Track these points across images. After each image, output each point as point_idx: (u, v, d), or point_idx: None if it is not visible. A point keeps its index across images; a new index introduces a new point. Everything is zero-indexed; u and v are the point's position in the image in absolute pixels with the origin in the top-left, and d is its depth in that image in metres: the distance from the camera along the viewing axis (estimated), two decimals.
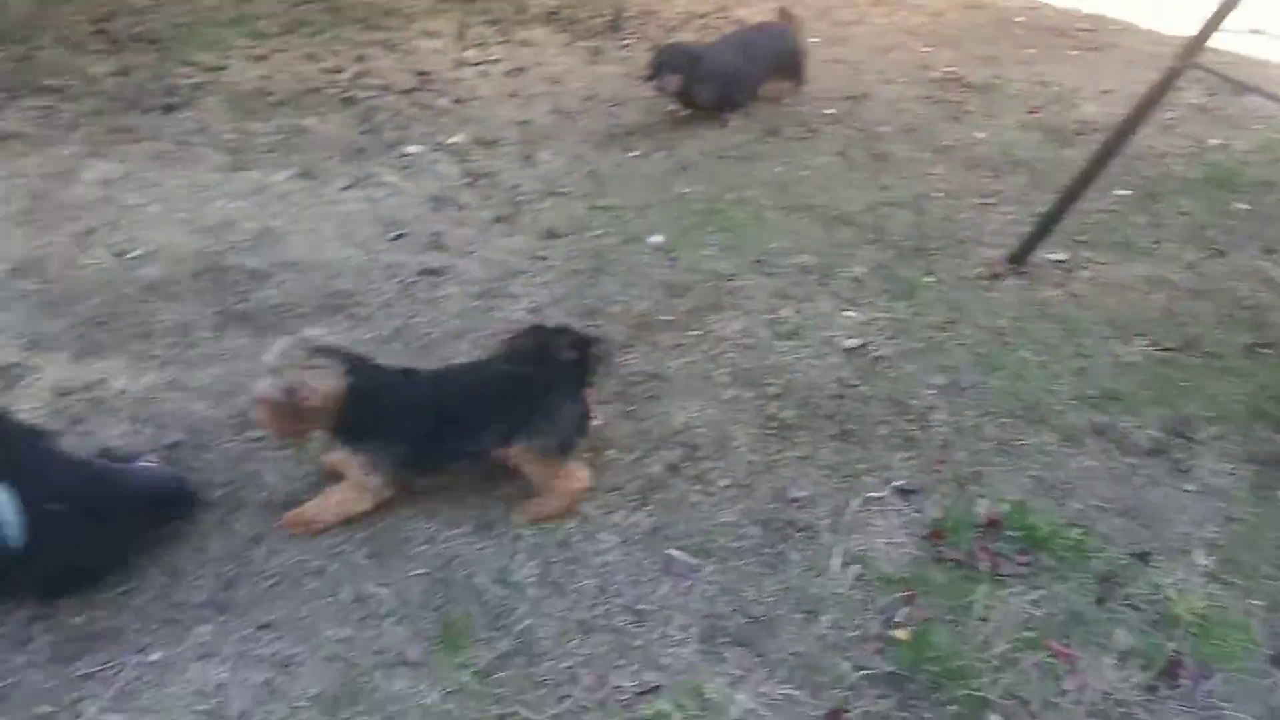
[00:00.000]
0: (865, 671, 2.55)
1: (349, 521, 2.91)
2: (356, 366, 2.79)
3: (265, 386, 2.71)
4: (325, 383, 2.72)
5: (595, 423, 3.15)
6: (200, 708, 2.41)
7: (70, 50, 6.26)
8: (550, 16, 7.35)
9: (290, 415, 2.73)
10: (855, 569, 2.85)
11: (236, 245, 4.27)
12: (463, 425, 2.91)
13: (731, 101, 5.63)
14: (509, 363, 3.01)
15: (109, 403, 3.32)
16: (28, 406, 3.28)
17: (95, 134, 5.19)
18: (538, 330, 3.13)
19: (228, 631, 2.60)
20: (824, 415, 3.42)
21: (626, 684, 2.51)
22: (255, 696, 2.44)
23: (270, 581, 2.74)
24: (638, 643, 2.62)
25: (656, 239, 4.43)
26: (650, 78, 5.40)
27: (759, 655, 2.60)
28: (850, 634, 2.66)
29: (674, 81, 5.35)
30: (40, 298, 3.86)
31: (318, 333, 3.00)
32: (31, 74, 5.86)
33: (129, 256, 4.14)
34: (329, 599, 2.70)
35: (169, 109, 5.50)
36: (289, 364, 2.71)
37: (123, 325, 3.72)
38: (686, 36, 6.82)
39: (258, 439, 3.20)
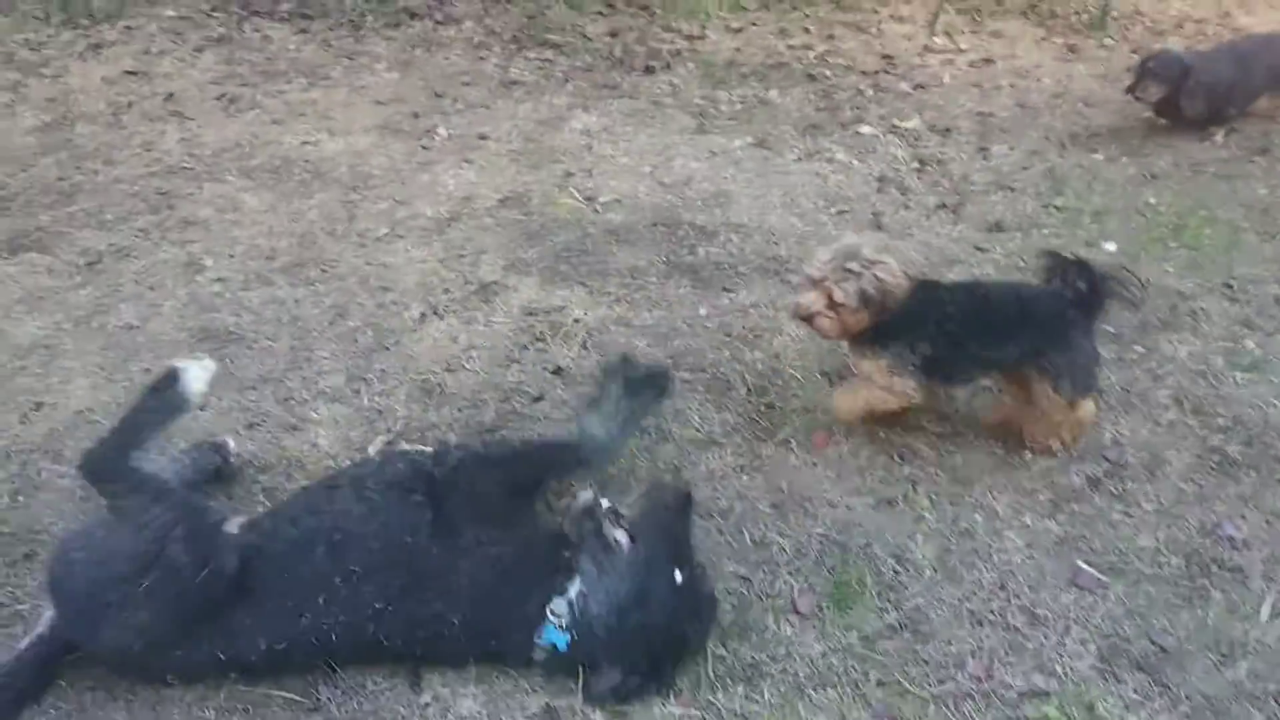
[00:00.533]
0: None
1: (875, 420, 3.14)
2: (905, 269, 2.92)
3: (835, 283, 2.87)
4: (897, 277, 2.86)
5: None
6: None
7: (573, 10, 6.89)
8: (1030, 9, 7.11)
9: (854, 311, 2.89)
10: None
11: (690, 202, 4.55)
12: (987, 335, 2.96)
13: (1221, 116, 5.18)
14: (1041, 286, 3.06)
15: (566, 328, 3.68)
16: (501, 320, 3.71)
17: (583, 88, 5.71)
18: (1059, 259, 3.05)
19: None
20: (1276, 458, 3.13)
21: (1014, 682, 2.46)
22: None
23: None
24: (1031, 645, 2.56)
25: (1111, 247, 4.20)
26: (1131, 87, 5.08)
27: (1161, 685, 2.45)
28: (1270, 686, 2.44)
29: (1157, 92, 5.01)
30: (521, 228, 4.33)
31: (859, 239, 3.04)
32: (538, 30, 6.53)
33: (598, 201, 4.54)
34: (732, 538, 2.86)
35: (649, 71, 5.93)
36: (844, 264, 2.87)
37: (585, 261, 4.10)
38: (1176, 42, 6.33)
39: (687, 379, 3.42)
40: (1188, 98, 5.00)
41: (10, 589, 2.65)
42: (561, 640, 2.40)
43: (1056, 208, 4.53)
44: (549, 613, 2.41)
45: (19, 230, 4.27)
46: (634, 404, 2.93)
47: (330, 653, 2.39)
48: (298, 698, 2.39)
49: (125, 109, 5.45)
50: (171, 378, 2.66)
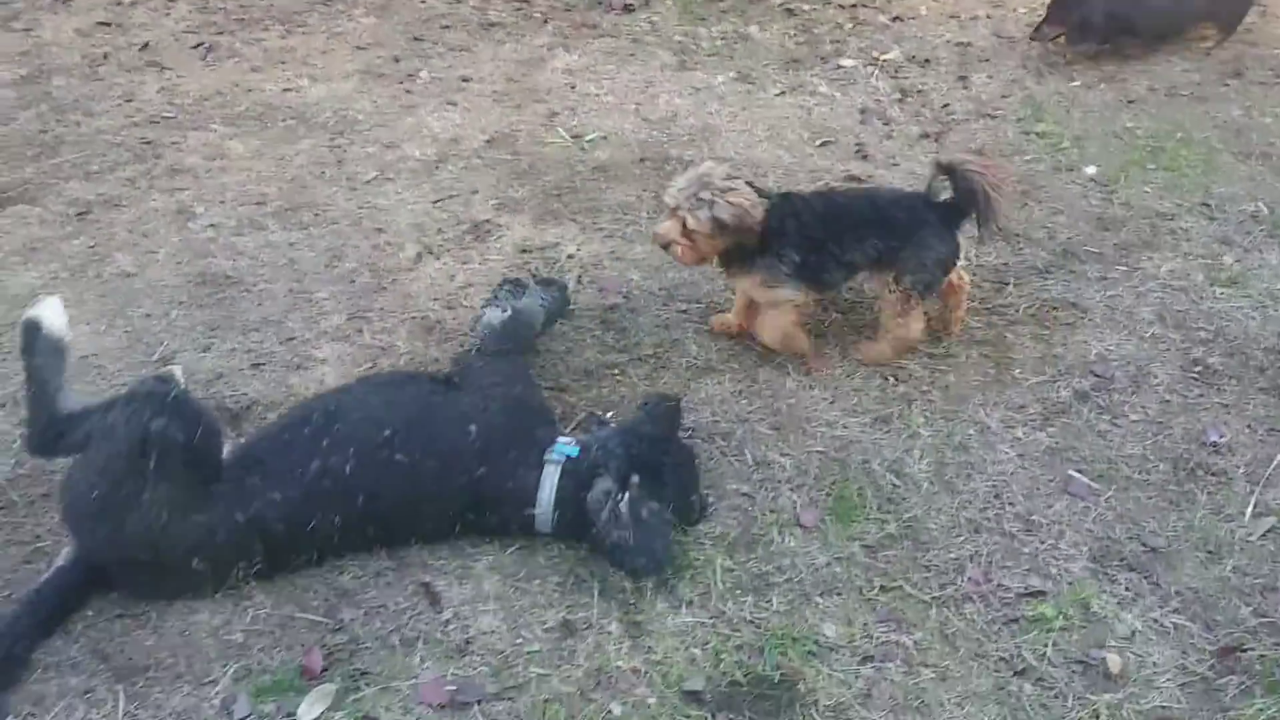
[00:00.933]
0: (1266, 619, 2.46)
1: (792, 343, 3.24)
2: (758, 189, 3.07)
3: (688, 211, 2.99)
4: (749, 201, 2.98)
5: (960, 262, 3.25)
6: None
7: None
8: None
9: (708, 237, 3.02)
10: (1269, 520, 2.72)
11: (676, 138, 4.58)
12: (846, 238, 3.12)
13: (1128, 29, 5.20)
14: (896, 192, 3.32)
15: (561, 264, 3.73)
16: (495, 258, 3.75)
17: (563, 28, 5.69)
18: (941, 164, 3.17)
19: None
20: (1256, 367, 3.23)
21: (1011, 584, 2.56)
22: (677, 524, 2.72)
23: (685, 433, 2.99)
24: (1027, 549, 2.66)
25: (1091, 170, 4.28)
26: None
27: (1152, 583, 2.56)
28: (1254, 580, 2.57)
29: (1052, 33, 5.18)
30: (510, 167, 4.36)
31: (712, 166, 3.13)
32: None
33: (585, 139, 4.56)
34: (735, 458, 2.94)
35: (628, 9, 5.91)
36: (697, 192, 2.98)
37: (575, 199, 4.13)
38: None
39: (683, 310, 3.49)
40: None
41: (30, 527, 2.70)
42: (573, 449, 2.63)
43: (1037, 134, 4.59)
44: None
45: (5, 184, 4.26)
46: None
47: (345, 520, 2.52)
48: (321, 619, 2.46)
49: (101, 60, 5.39)
50: (33, 329, 2.62)
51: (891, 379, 3.20)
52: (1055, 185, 4.18)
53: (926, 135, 4.59)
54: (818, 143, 4.54)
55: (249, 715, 2.25)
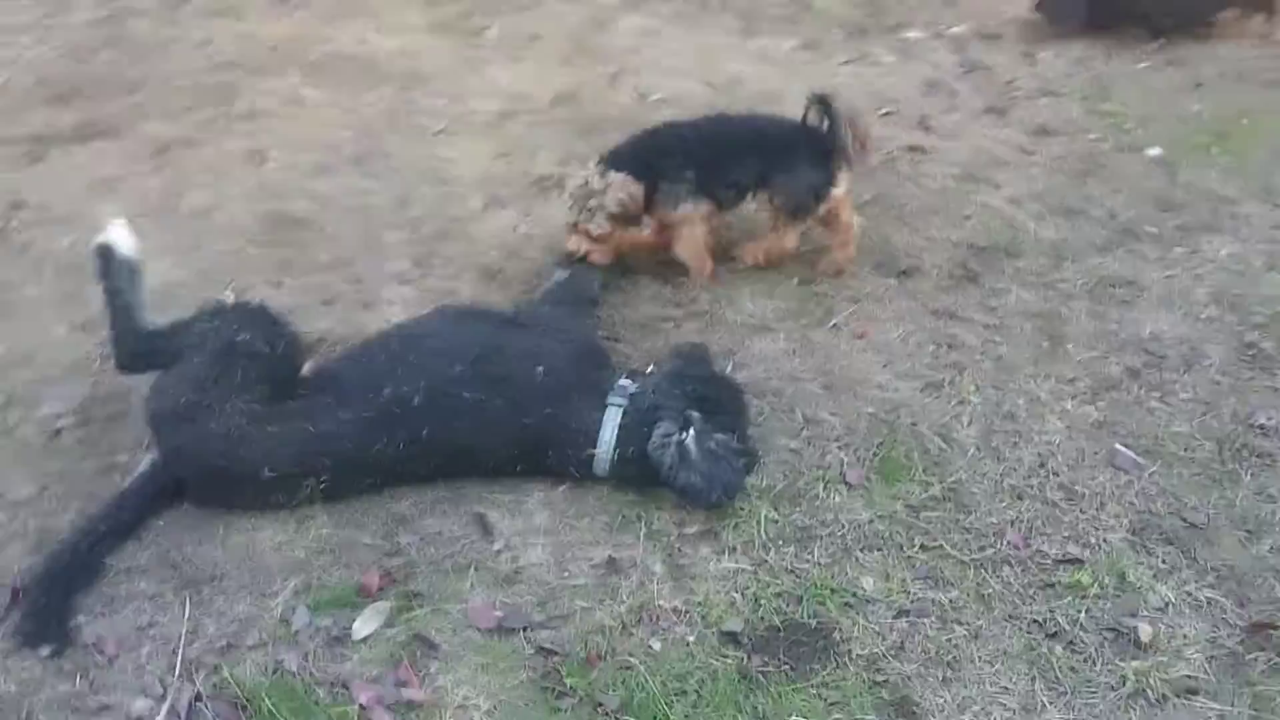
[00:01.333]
0: None
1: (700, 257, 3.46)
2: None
3: (587, 222, 3.28)
4: (629, 189, 3.27)
5: (837, 190, 3.41)
6: None
7: None
8: None
9: (612, 231, 3.31)
10: None
11: (740, 102, 4.60)
12: (729, 160, 3.39)
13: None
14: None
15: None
16: (557, 212, 3.82)
17: None
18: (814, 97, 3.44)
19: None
20: None
21: (1050, 550, 2.60)
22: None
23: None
24: (1067, 518, 2.69)
25: (1155, 151, 4.26)
26: None
27: (1189, 557, 2.58)
28: None
29: None
30: (574, 125, 4.43)
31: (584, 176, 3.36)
32: None
33: (649, 99, 4.62)
34: (784, 415, 2.99)
35: None
36: (588, 202, 3.27)
37: None
38: None
39: (740, 268, 3.54)
40: None
41: (107, 444, 2.83)
42: (634, 389, 2.74)
43: (1101, 113, 4.58)
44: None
45: (88, 119, 4.41)
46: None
47: (409, 448, 2.60)
48: (379, 541, 2.57)
49: (178, 6, 5.53)
50: (106, 255, 2.75)
51: (945, 346, 3.24)
52: (1118, 164, 4.17)
53: (990, 110, 4.59)
54: (880, 112, 4.56)
55: (307, 625, 2.36)
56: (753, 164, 3.38)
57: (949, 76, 4.89)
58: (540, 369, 2.70)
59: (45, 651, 2.28)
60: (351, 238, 3.67)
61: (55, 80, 4.73)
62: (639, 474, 2.68)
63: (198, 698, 2.21)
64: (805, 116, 3.40)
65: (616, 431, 2.66)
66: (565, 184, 3.37)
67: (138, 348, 2.66)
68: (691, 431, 2.61)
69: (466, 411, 2.63)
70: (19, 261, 3.55)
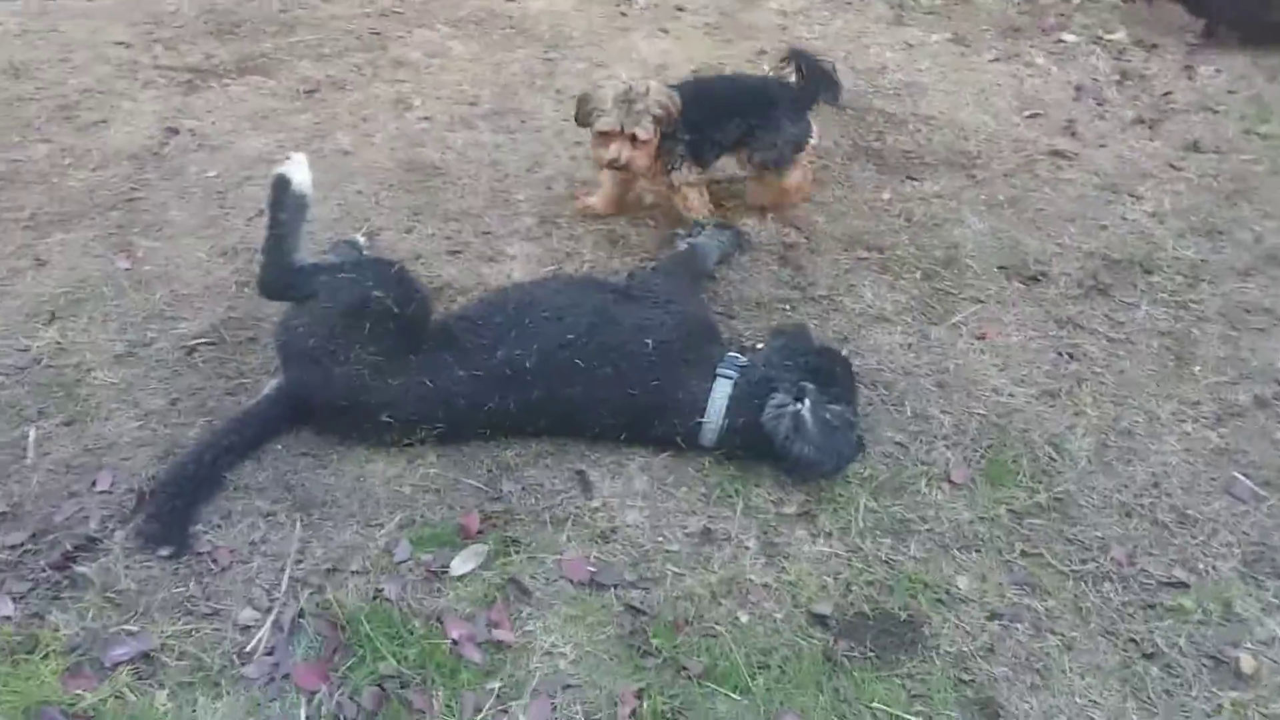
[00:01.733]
0: None
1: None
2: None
3: (634, 125, 3.26)
4: (669, 95, 3.31)
5: (814, 142, 3.63)
6: None
7: None
8: None
9: (652, 140, 3.30)
10: None
11: (882, 90, 4.57)
12: (716, 120, 3.48)
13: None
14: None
15: (738, 197, 3.79)
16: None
17: None
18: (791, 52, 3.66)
19: None
20: None
21: (1155, 571, 2.54)
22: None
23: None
24: (1176, 541, 2.62)
25: None
26: None
27: None
28: None
29: None
30: None
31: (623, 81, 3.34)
32: None
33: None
34: (894, 408, 2.97)
35: None
36: (634, 104, 3.25)
37: None
38: None
39: (863, 257, 3.51)
40: None
41: (236, 364, 2.97)
42: (744, 361, 2.78)
43: (1259, 134, 4.39)
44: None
45: (246, 54, 4.58)
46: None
47: (519, 408, 2.67)
48: (483, 486, 2.64)
49: None
50: (283, 184, 2.82)
51: (1066, 356, 3.17)
52: (1270, 188, 4.00)
53: (1141, 121, 4.44)
54: (1026, 113, 4.46)
55: (408, 559, 2.44)
56: (736, 123, 3.49)
57: (1101, 83, 4.74)
58: (650, 341, 2.73)
59: (165, 552, 2.41)
60: (483, 191, 3.74)
61: (220, 14, 4.92)
62: (746, 444, 2.70)
63: (300, 614, 2.31)
64: (781, 71, 3.62)
65: (727, 402, 2.68)
66: (594, 96, 3.32)
67: (282, 279, 2.77)
68: (807, 402, 2.62)
69: (577, 378, 2.67)
70: (170, 184, 3.71)
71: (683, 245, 3.38)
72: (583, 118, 3.35)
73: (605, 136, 3.30)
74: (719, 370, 2.73)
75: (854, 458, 2.70)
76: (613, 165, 3.33)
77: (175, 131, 4.02)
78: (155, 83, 4.36)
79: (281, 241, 2.78)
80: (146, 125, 4.05)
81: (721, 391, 2.69)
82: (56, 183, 3.71)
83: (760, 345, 2.98)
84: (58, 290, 3.21)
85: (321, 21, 4.90)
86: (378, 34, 4.81)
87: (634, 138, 3.26)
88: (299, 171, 2.82)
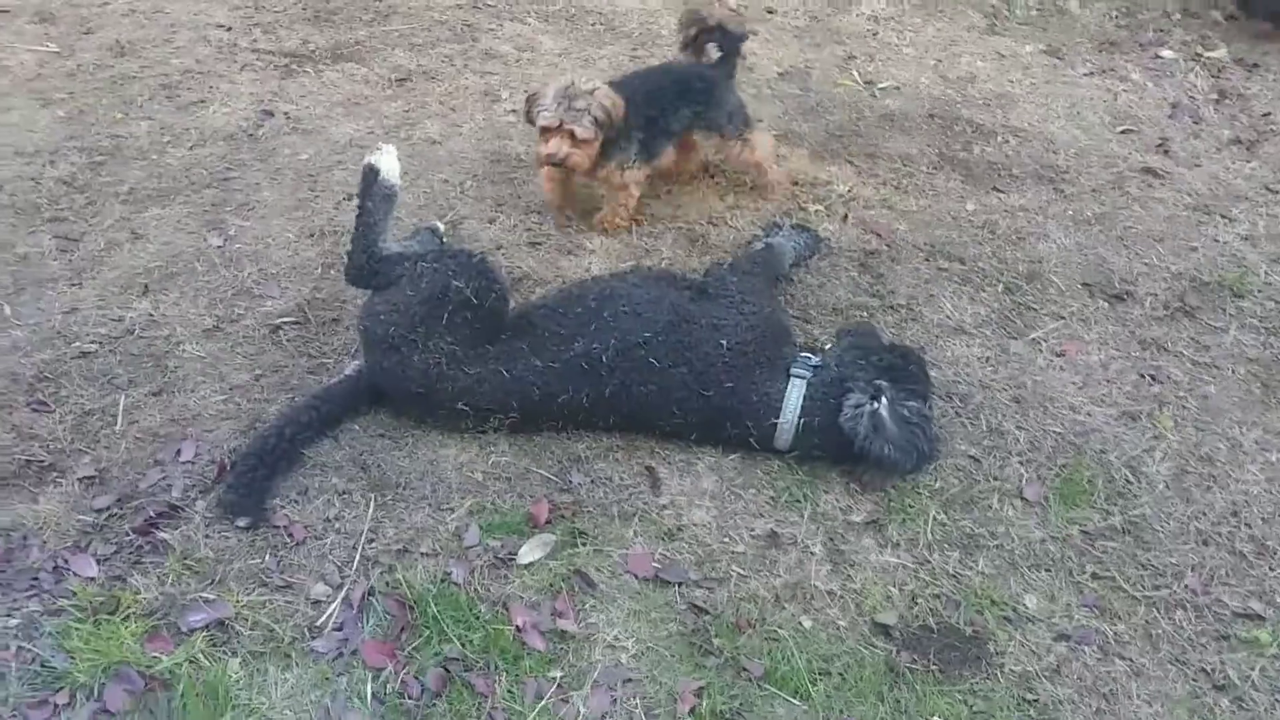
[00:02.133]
0: None
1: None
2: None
3: (573, 123, 3.20)
4: (613, 99, 3.25)
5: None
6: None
7: None
8: None
9: (593, 140, 3.25)
10: None
11: (971, 100, 4.51)
12: (669, 111, 3.48)
13: None
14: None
15: (830, 201, 3.78)
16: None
17: None
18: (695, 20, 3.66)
19: None
20: None
21: (1230, 602, 2.48)
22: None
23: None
24: (1255, 572, 2.57)
25: None
26: None
27: None
28: None
29: None
30: (798, 101, 4.42)
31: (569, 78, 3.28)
32: None
33: (877, 86, 4.56)
34: (968, 421, 2.94)
35: None
36: (574, 102, 3.20)
37: (856, 142, 4.16)
38: None
39: (943, 268, 3.48)
40: None
41: (319, 344, 3.03)
42: (818, 362, 2.78)
43: None
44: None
45: (340, 41, 4.66)
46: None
47: (592, 403, 2.70)
48: (553, 477, 2.67)
49: None
50: (372, 174, 2.88)
51: (1148, 378, 3.11)
52: None
53: (1238, 141, 4.34)
54: (1118, 129, 4.38)
55: (476, 545, 2.48)
56: (684, 110, 3.51)
57: (1199, 101, 4.64)
58: (725, 342, 2.74)
59: (243, 523, 2.48)
60: None
61: (317, 2, 5.01)
62: (823, 445, 2.70)
63: (370, 592, 2.36)
64: (706, 56, 3.65)
65: (801, 402, 2.68)
66: (540, 92, 3.27)
67: (367, 266, 2.82)
68: (884, 400, 2.61)
69: (651, 377, 2.69)
70: (263, 166, 3.80)
71: (759, 244, 3.37)
72: (528, 113, 3.32)
73: (546, 132, 3.26)
74: (792, 371, 2.73)
75: (934, 455, 2.70)
76: (550, 161, 3.30)
77: (270, 114, 4.11)
78: (253, 66, 4.46)
79: (369, 230, 2.84)
80: (243, 107, 4.16)
81: (796, 392, 2.69)
82: (155, 159, 3.82)
83: (828, 345, 2.98)
84: (152, 264, 3.31)
85: (415, 12, 4.97)
86: (470, 26, 4.87)
87: (573, 135, 3.23)
88: (388, 162, 2.87)
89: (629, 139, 3.38)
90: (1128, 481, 2.79)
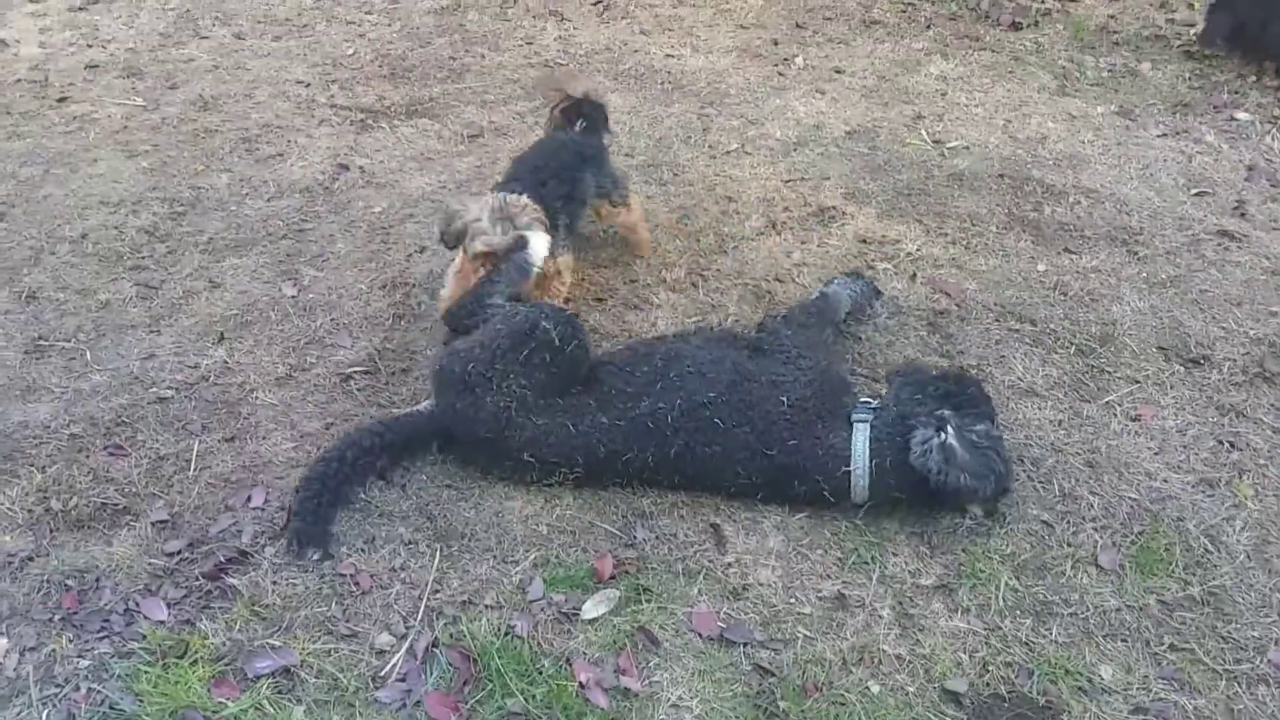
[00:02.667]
0: None
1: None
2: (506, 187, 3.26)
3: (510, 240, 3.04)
4: (534, 205, 3.12)
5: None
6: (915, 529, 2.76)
7: None
8: None
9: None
10: None
11: (1041, 160, 4.48)
12: (580, 185, 3.43)
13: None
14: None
15: (898, 260, 3.76)
16: (835, 243, 3.84)
17: (944, 36, 5.68)
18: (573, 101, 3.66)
19: None
20: None
21: None
22: (968, 533, 2.73)
23: None
24: None
25: None
26: None
27: None
28: None
29: None
30: (865, 160, 4.42)
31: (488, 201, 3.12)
32: None
33: (946, 146, 4.55)
34: (1041, 485, 2.89)
35: (1016, 27, 5.82)
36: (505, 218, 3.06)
37: (925, 201, 4.15)
38: None
39: (1015, 329, 3.44)
40: None
41: (389, 394, 3.07)
42: (876, 404, 2.78)
43: None
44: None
45: (415, 98, 4.77)
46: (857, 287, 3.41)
47: (657, 461, 2.70)
48: (617, 532, 2.66)
49: (511, 3, 5.90)
50: (521, 242, 3.00)
51: (1227, 445, 3.03)
52: None
53: None
54: (1193, 191, 4.31)
55: (540, 598, 2.47)
56: (587, 178, 3.48)
57: (1276, 164, 4.56)
58: (785, 399, 2.73)
59: (314, 555, 2.52)
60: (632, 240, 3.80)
61: (393, 59, 5.15)
62: (899, 486, 2.67)
63: (435, 643, 2.36)
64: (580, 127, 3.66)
65: (869, 446, 2.66)
66: (467, 216, 3.08)
67: (471, 315, 2.93)
68: (950, 429, 2.59)
69: (716, 437, 2.69)
70: (337, 218, 3.89)
71: (815, 293, 3.36)
72: (453, 238, 3.11)
73: (480, 258, 3.05)
74: (854, 418, 2.71)
75: (1010, 474, 2.68)
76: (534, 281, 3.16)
77: (345, 168, 4.20)
78: (330, 121, 4.57)
79: (490, 286, 2.96)
80: (319, 160, 4.26)
81: (861, 438, 2.67)
82: (234, 210, 3.92)
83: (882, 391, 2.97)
84: (228, 312, 3.38)
85: (488, 70, 5.08)
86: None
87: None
88: (538, 244, 3.01)
89: (555, 225, 3.25)
90: (1206, 551, 2.71)
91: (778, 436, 2.69)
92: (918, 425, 2.65)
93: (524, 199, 3.13)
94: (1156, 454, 3.00)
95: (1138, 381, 3.26)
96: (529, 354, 2.70)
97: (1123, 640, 2.47)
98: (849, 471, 2.66)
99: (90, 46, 5.23)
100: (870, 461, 2.65)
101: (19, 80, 4.87)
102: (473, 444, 2.75)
